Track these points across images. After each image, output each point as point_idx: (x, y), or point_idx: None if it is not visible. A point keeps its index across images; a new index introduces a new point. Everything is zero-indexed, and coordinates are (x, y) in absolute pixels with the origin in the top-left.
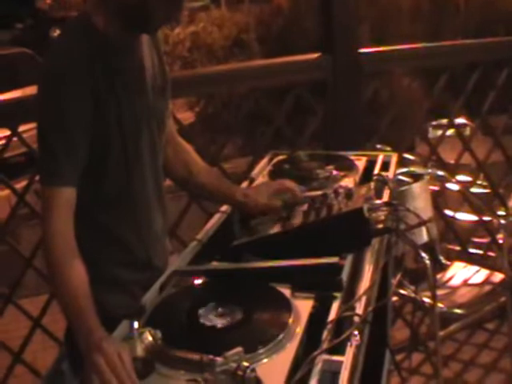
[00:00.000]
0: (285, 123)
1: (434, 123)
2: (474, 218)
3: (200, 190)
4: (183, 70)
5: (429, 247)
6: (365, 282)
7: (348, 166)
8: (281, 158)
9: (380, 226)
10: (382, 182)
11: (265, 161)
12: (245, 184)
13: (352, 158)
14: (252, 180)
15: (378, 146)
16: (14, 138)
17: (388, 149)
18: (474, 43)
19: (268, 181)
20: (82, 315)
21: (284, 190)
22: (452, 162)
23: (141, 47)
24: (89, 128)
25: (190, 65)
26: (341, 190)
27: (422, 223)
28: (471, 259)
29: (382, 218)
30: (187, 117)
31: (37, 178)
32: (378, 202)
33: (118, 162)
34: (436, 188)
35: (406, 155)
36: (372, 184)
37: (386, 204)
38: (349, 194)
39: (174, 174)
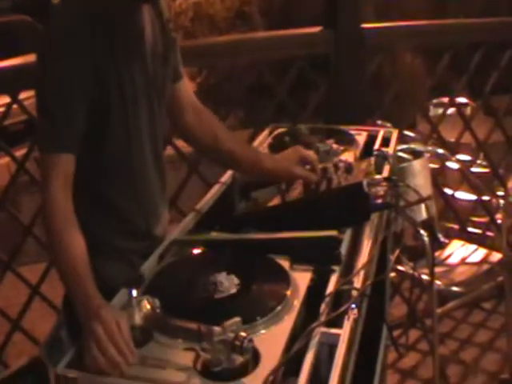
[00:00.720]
0: (287, 97)
1: (436, 101)
2: (473, 197)
3: (227, 158)
4: (185, 40)
5: (428, 225)
6: (363, 257)
7: (348, 141)
8: (281, 130)
9: (379, 201)
10: (383, 158)
11: (265, 133)
12: None
13: (352, 132)
14: None
15: (379, 122)
16: (14, 106)
17: (389, 125)
18: (477, 22)
19: (293, 149)
20: (80, 283)
21: (306, 162)
22: (452, 140)
23: (142, 16)
24: (88, 95)
25: (191, 35)
26: (341, 165)
27: (422, 200)
28: (470, 238)
29: (382, 193)
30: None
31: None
32: (377, 177)
33: (117, 130)
34: (436, 166)
35: (407, 132)
36: (372, 159)
37: (386, 179)
38: (349, 168)
39: (201, 142)
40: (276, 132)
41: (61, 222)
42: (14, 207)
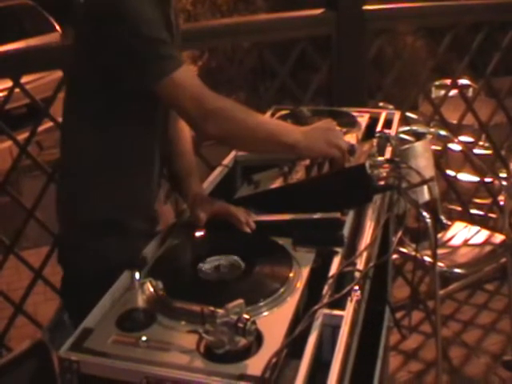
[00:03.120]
0: (289, 78)
1: (437, 83)
2: (475, 178)
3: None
4: (186, 24)
5: (430, 206)
6: (366, 238)
7: (350, 123)
8: (283, 112)
9: (382, 182)
10: (385, 140)
11: (267, 115)
12: None
13: (355, 114)
14: None
15: (381, 104)
16: (16, 90)
17: (391, 107)
18: (479, 3)
19: (221, 203)
20: (284, 129)
21: (227, 214)
22: (455, 122)
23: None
24: None
25: (193, 18)
26: None
27: (424, 182)
28: (472, 220)
29: (384, 175)
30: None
31: (41, 128)
32: (380, 159)
33: (142, 111)
34: (438, 148)
35: (409, 114)
36: (374, 141)
37: (389, 161)
38: (351, 150)
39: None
40: (278, 114)
41: (238, 109)
42: (16, 191)
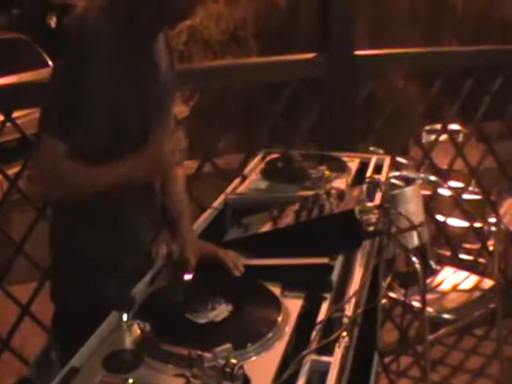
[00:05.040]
0: (280, 120)
1: (428, 128)
2: (465, 223)
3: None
4: (179, 63)
5: (420, 251)
6: (355, 284)
7: (341, 167)
8: (274, 156)
9: (371, 228)
10: (375, 185)
11: (258, 159)
12: (237, 181)
13: (345, 159)
14: (244, 177)
15: (371, 149)
16: (8, 124)
17: (381, 152)
18: (469, 50)
19: (211, 246)
20: (125, 167)
21: (216, 258)
22: (445, 167)
23: (157, 44)
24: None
25: (186, 58)
26: (333, 191)
27: (414, 227)
28: (461, 265)
29: (374, 220)
30: (182, 110)
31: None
32: (369, 204)
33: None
34: (428, 192)
35: (399, 159)
36: (364, 186)
37: (378, 207)
38: (341, 195)
39: None
40: (269, 158)
41: (76, 171)
42: (6, 225)
